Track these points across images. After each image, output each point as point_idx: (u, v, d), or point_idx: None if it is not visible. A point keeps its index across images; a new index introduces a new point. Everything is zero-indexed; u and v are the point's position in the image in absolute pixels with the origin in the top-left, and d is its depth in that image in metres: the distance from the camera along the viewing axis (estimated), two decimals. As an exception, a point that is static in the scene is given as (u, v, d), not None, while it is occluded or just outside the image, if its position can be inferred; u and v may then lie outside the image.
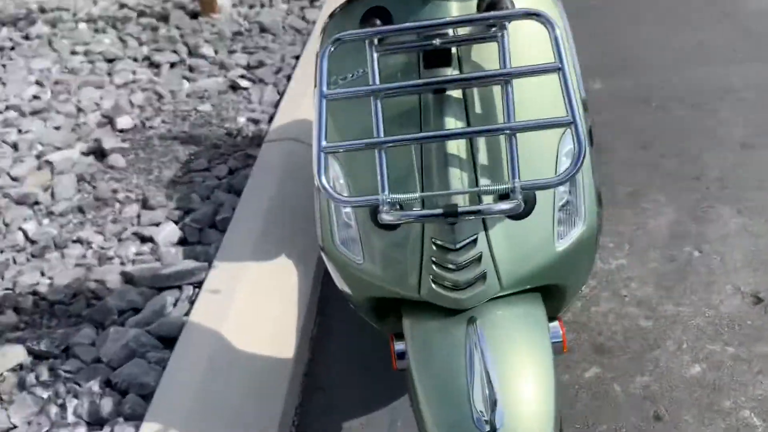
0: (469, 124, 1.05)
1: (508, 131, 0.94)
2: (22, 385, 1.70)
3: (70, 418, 1.60)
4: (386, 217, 0.93)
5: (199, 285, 1.95)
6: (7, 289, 2.00)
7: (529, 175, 0.99)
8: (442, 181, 1.01)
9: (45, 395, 1.66)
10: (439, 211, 0.93)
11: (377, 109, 0.96)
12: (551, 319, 1.11)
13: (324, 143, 0.95)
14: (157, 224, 2.22)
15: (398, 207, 0.97)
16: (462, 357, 1.01)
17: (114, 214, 2.31)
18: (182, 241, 2.16)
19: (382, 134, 0.95)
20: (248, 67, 3.28)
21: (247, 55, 3.38)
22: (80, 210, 2.34)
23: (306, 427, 1.70)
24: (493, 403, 0.95)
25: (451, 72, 1.06)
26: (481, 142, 1.04)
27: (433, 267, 1.02)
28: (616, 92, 2.94)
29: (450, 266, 1.01)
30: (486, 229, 1.02)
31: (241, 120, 2.82)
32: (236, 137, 2.70)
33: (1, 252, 2.16)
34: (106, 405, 1.61)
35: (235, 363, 1.71)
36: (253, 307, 1.88)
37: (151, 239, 2.15)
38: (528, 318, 1.07)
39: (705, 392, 1.65)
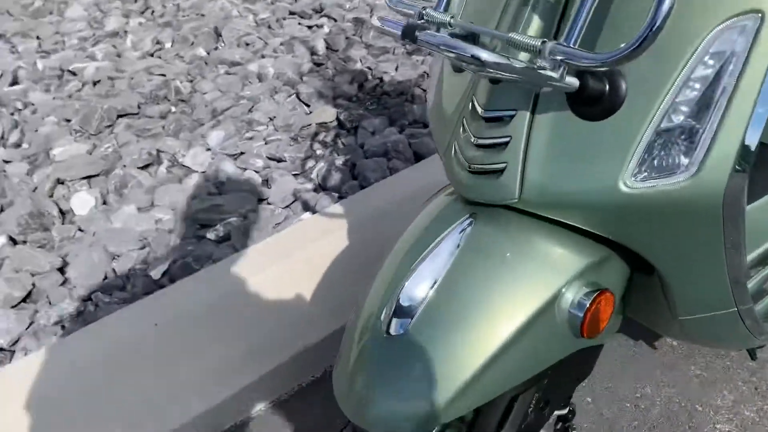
0: None
1: None
2: (314, 136, 2.05)
3: (313, 175, 1.89)
4: (374, 21, 0.84)
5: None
6: (368, 68, 2.33)
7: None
8: (513, 20, 0.78)
9: (318, 152, 1.99)
10: (400, 28, 0.75)
11: None
12: (596, 290, 0.78)
13: None
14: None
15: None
16: (427, 247, 0.85)
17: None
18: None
19: None
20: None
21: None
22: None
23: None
24: (399, 310, 0.81)
25: None
26: None
27: (460, 130, 0.84)
28: None
29: (471, 136, 0.81)
30: (534, 113, 0.76)
31: None
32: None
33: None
34: (335, 179, 1.84)
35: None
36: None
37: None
38: (542, 261, 0.79)
39: None
